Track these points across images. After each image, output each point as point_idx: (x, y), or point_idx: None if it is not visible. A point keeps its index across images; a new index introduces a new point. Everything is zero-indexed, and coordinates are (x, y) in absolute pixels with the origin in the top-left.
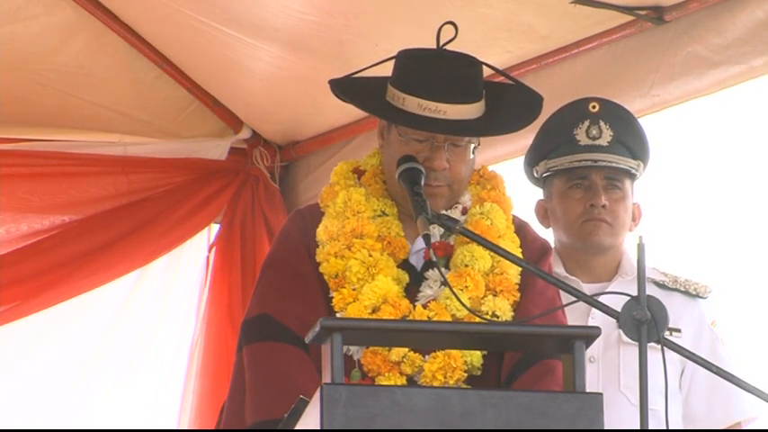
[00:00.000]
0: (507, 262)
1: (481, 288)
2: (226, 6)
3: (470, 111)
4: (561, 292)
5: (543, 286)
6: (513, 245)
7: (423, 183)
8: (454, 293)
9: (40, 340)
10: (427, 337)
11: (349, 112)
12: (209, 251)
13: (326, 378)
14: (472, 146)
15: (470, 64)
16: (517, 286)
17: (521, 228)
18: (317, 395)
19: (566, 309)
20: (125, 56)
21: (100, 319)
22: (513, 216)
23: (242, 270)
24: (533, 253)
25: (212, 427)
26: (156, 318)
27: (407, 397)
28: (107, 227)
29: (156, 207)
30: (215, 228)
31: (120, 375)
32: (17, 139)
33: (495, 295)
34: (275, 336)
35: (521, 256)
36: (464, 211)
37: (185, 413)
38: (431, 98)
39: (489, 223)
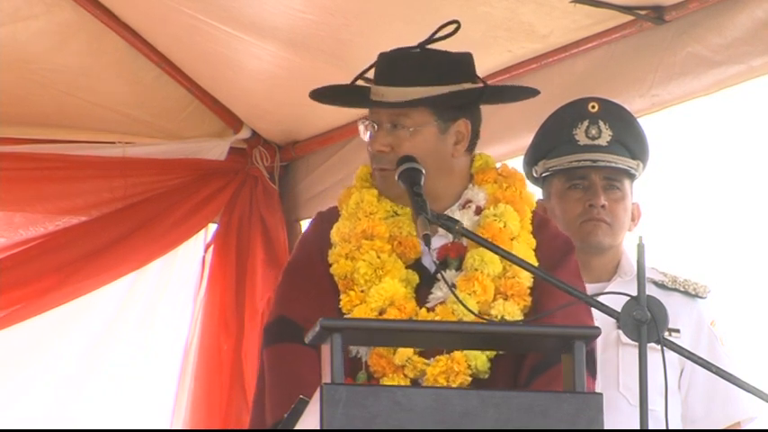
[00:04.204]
0: (529, 264)
1: (490, 292)
2: (225, 5)
3: (412, 93)
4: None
5: (568, 284)
6: (526, 247)
7: (422, 182)
8: (457, 298)
9: (38, 342)
10: (427, 337)
11: (348, 113)
12: (206, 251)
13: (326, 378)
14: (412, 129)
15: (429, 52)
16: (529, 290)
17: (541, 225)
18: (316, 395)
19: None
20: (125, 56)
21: (98, 320)
22: (535, 213)
23: (236, 270)
24: (556, 250)
25: (208, 427)
26: (154, 317)
27: (407, 397)
28: (106, 229)
29: (155, 208)
30: (212, 227)
31: (119, 376)
32: (17, 138)
33: (505, 299)
34: (292, 337)
35: (534, 258)
36: (478, 211)
37: (179, 412)
38: (377, 83)
39: (502, 225)
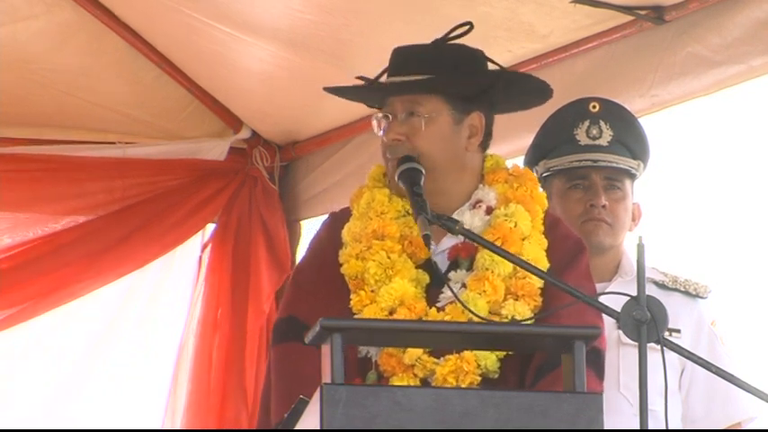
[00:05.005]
0: (531, 265)
1: (500, 292)
2: (225, 5)
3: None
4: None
5: (576, 286)
6: (538, 248)
7: (422, 182)
8: (462, 303)
9: (37, 342)
10: (427, 337)
11: (349, 112)
12: (203, 251)
13: (326, 378)
14: (427, 116)
15: (443, 45)
16: (539, 290)
17: (553, 225)
18: (316, 395)
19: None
20: (125, 56)
21: (97, 320)
22: (547, 213)
23: (232, 271)
24: (567, 250)
25: (203, 427)
26: (153, 317)
27: (407, 397)
28: (106, 230)
29: (155, 208)
30: (209, 227)
31: (118, 376)
32: (17, 139)
33: (516, 299)
34: (299, 337)
35: (545, 259)
36: (488, 211)
37: (172, 413)
38: (391, 75)
39: (513, 225)
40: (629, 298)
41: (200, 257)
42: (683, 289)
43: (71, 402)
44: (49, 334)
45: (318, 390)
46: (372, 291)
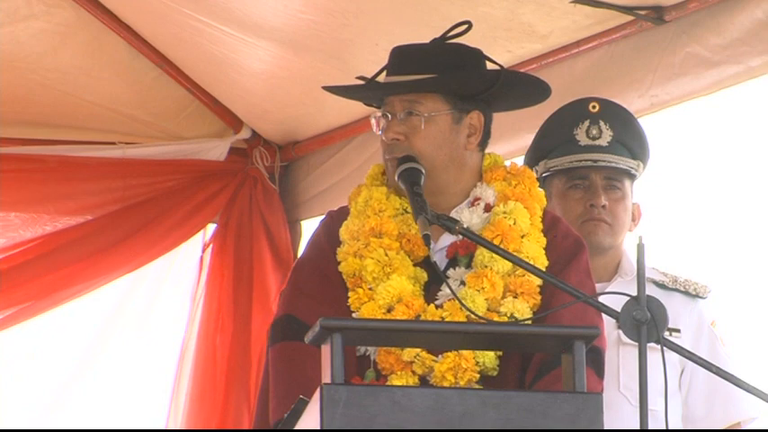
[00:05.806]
0: (530, 264)
1: (499, 290)
2: (225, 6)
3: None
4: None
5: (577, 284)
6: (537, 245)
7: (422, 182)
8: (460, 302)
9: (37, 342)
10: (426, 337)
11: (349, 112)
12: (204, 251)
13: (326, 378)
14: (426, 115)
15: (442, 44)
16: (539, 289)
17: (552, 224)
18: (316, 395)
19: None
20: (125, 56)
21: (97, 320)
22: (546, 212)
23: (234, 271)
24: (566, 250)
25: (205, 427)
26: (153, 317)
27: (407, 397)
28: (106, 230)
29: (155, 209)
30: (210, 227)
31: (118, 376)
32: (17, 139)
33: (515, 297)
34: (298, 335)
35: (544, 256)
36: (487, 208)
37: (174, 413)
38: (390, 74)
39: (512, 222)
40: (629, 298)
41: (202, 258)
42: (682, 289)
43: (71, 402)
44: (49, 334)
45: (318, 390)
46: (370, 288)
